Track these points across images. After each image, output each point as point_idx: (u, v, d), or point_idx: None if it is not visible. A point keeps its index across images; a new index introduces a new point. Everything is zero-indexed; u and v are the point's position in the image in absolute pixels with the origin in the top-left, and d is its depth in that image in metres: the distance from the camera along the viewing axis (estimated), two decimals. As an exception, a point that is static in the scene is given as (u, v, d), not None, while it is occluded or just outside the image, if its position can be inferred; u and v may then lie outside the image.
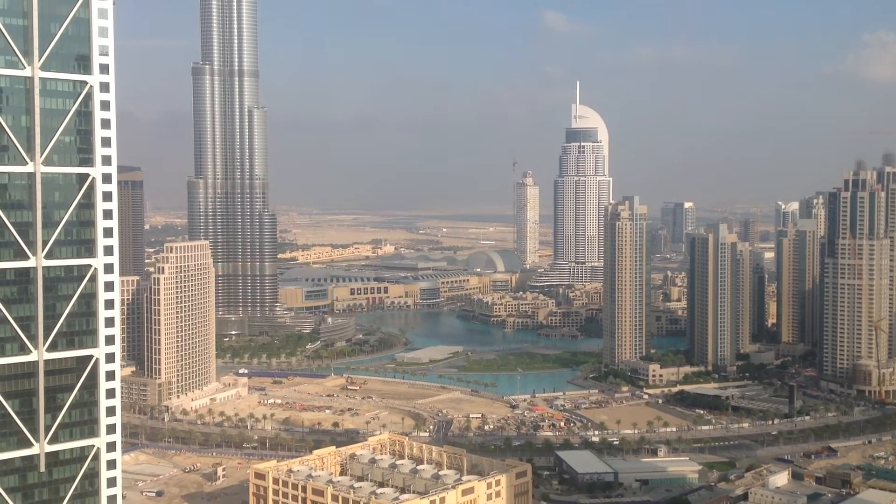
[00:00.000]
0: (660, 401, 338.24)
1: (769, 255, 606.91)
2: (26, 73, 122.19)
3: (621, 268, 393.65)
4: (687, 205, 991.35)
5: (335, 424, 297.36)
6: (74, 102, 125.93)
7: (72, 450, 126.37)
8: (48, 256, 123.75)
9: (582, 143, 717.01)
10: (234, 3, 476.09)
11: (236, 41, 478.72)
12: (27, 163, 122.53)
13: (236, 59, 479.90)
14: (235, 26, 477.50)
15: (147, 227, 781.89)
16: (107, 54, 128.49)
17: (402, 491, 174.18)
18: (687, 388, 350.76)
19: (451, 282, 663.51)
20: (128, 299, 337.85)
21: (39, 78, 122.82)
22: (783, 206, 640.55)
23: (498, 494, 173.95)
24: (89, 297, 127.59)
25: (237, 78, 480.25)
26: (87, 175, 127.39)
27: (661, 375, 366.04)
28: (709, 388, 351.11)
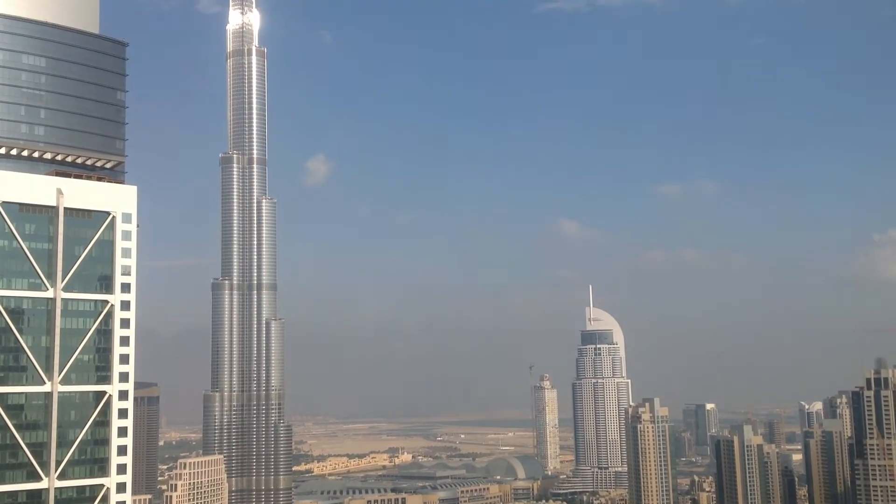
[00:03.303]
0: None
1: (797, 457, 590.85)
2: (49, 294, 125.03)
3: (646, 473, 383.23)
4: (709, 406, 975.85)
5: None
6: (95, 321, 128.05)
7: None
8: (61, 477, 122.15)
9: (598, 345, 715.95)
10: (255, 221, 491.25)
11: (255, 256, 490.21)
12: (45, 383, 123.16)
13: (255, 274, 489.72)
14: (255, 242, 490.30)
15: (161, 443, 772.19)
16: (129, 274, 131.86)
17: None
18: None
19: (471, 490, 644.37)
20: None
21: (61, 299, 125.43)
22: (807, 407, 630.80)
23: None
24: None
25: (255, 291, 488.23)
26: (104, 392, 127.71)
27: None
28: None
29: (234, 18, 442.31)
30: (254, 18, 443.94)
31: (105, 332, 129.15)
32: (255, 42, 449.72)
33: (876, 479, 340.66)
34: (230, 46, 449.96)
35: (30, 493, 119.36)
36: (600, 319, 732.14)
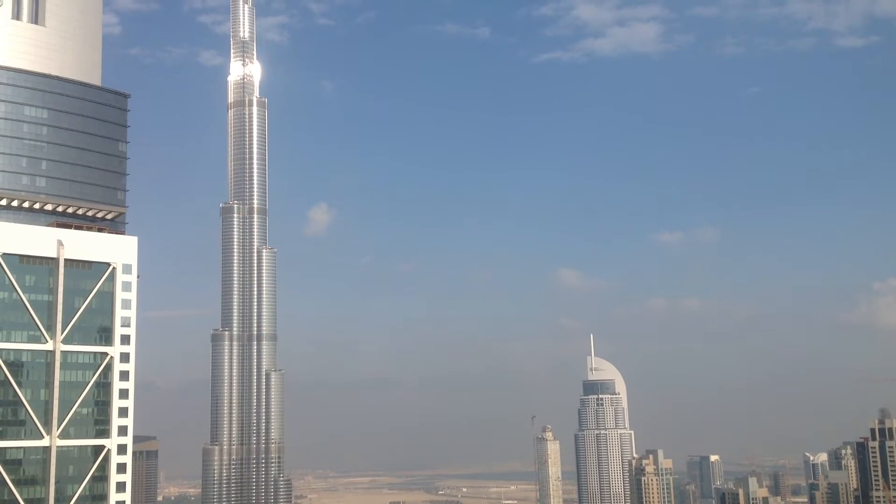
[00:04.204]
0: None
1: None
2: (48, 346, 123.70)
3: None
4: (713, 458, 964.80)
5: None
6: (94, 374, 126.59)
7: None
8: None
9: (600, 396, 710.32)
10: (255, 271, 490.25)
11: (255, 306, 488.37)
12: (43, 437, 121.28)
13: (255, 324, 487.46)
14: (255, 292, 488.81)
15: (160, 498, 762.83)
16: (129, 325, 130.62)
17: None
18: None
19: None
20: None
21: (61, 351, 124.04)
22: (811, 458, 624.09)
23: None
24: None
25: (255, 342, 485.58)
26: (103, 447, 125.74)
27: None
28: None
29: (236, 70, 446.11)
30: (255, 70, 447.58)
31: (104, 385, 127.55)
32: (256, 93, 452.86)
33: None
34: (231, 97, 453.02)
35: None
36: (602, 369, 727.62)
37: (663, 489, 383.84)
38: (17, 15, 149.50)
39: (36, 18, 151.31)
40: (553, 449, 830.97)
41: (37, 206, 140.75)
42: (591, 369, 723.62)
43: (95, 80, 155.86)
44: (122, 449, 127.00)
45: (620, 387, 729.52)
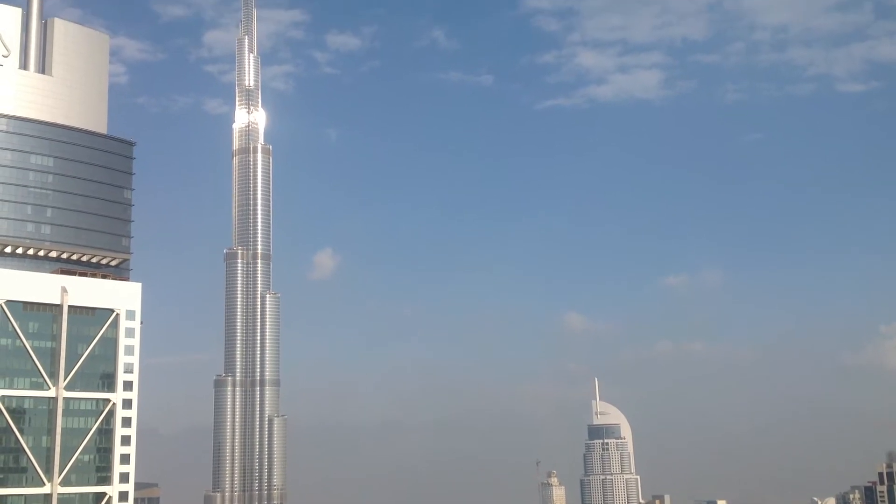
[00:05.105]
0: None
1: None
2: (51, 393, 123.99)
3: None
4: (720, 502, 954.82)
5: None
6: (96, 420, 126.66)
7: None
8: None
9: (605, 440, 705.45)
10: (258, 316, 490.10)
11: (258, 352, 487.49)
12: (45, 484, 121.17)
13: (258, 370, 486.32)
14: (258, 337, 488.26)
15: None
16: (131, 371, 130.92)
17: None
18: None
19: None
20: None
21: (63, 398, 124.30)
22: (819, 502, 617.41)
23: None
24: None
25: (258, 388, 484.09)
26: (104, 494, 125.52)
27: None
28: None
29: (241, 117, 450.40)
30: (259, 117, 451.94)
31: (106, 432, 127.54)
32: (261, 140, 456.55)
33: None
34: (236, 144, 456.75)
35: None
36: (607, 413, 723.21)
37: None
38: (24, 64, 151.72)
39: (43, 68, 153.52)
40: (558, 494, 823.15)
41: (41, 253, 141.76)
42: (597, 413, 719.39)
43: (102, 128, 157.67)
44: (123, 496, 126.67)
45: (626, 431, 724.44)
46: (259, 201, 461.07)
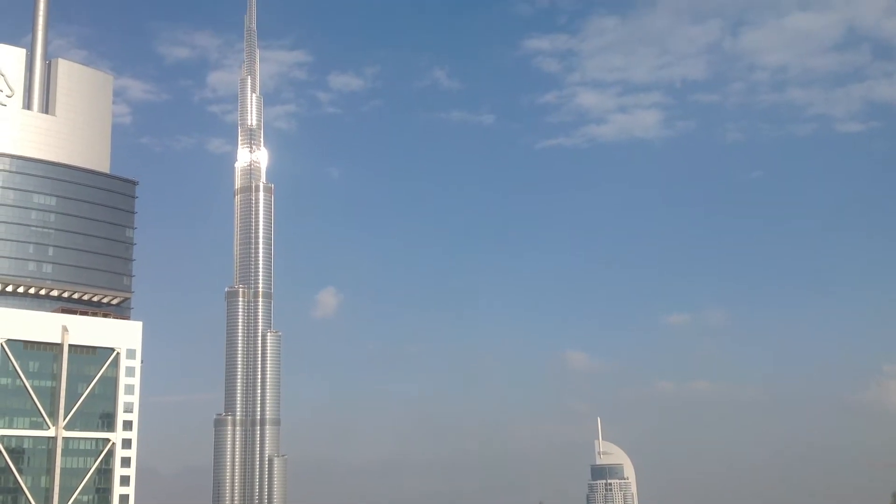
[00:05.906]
0: None
1: None
2: (50, 433, 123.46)
3: None
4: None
5: None
6: (95, 460, 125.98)
7: None
8: None
9: (608, 480, 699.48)
10: (259, 355, 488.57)
11: (259, 391, 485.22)
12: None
13: (258, 409, 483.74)
14: (259, 376, 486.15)
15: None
16: (131, 411, 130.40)
17: None
18: None
19: None
20: None
21: (63, 438, 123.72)
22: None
23: None
24: None
25: (258, 427, 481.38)
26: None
27: None
28: None
29: (243, 156, 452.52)
30: (262, 156, 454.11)
31: (105, 472, 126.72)
32: (263, 178, 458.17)
33: None
34: (238, 183, 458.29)
35: None
36: (610, 453, 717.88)
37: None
38: (27, 105, 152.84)
39: (46, 108, 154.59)
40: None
41: (43, 291, 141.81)
42: (600, 453, 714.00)
43: (104, 167, 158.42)
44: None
45: (629, 471, 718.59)
46: (261, 239, 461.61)
